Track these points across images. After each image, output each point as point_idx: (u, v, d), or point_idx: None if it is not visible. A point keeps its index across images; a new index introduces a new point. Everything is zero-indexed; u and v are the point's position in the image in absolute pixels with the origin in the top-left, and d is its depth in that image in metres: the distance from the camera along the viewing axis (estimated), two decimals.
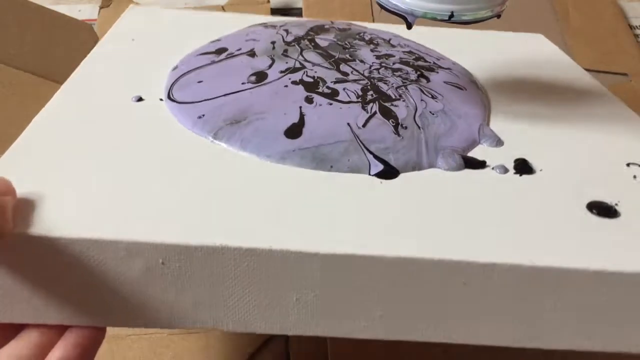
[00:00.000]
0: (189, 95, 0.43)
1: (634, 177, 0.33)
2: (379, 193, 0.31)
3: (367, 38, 0.58)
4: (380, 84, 0.46)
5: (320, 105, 0.42)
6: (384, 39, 0.58)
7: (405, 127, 0.37)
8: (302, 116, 0.41)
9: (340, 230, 0.28)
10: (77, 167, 0.33)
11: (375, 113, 0.40)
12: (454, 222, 0.29)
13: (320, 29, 0.58)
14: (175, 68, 0.47)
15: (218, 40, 0.53)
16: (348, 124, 0.39)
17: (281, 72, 0.48)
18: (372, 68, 0.50)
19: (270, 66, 0.48)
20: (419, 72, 0.49)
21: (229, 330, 0.28)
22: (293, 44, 0.54)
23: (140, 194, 0.31)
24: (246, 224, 0.29)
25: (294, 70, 0.48)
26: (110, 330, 0.39)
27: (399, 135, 0.36)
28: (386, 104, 0.41)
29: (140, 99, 0.42)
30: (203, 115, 0.40)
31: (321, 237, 0.27)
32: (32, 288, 0.27)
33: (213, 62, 0.48)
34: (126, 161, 0.34)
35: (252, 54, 0.50)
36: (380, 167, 0.33)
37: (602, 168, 0.34)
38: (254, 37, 0.54)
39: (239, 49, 0.51)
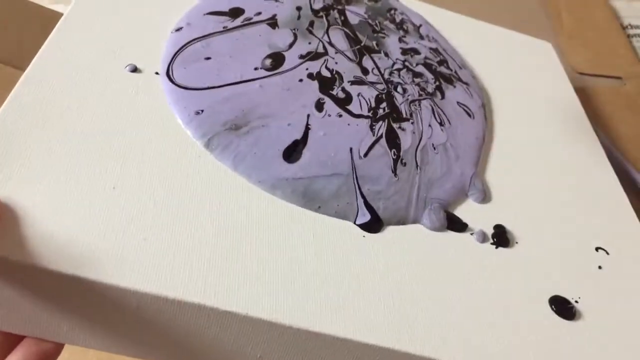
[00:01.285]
0: (192, 76, 0.37)
1: (599, 267, 0.34)
2: (358, 251, 0.30)
3: (397, 20, 0.52)
4: (396, 94, 0.43)
5: (329, 116, 0.39)
6: (414, 25, 0.52)
7: (405, 164, 0.36)
8: (306, 131, 0.37)
9: (305, 301, 0.27)
10: (50, 165, 0.28)
11: (380, 137, 0.38)
12: (416, 306, 0.28)
13: None
14: (178, 29, 0.39)
15: None
16: (351, 149, 0.36)
17: (301, 57, 0.42)
18: (394, 68, 0.46)
19: (290, 45, 0.43)
20: (437, 83, 0.46)
21: None
22: (321, 14, 0.47)
23: (105, 211, 0.27)
24: (203, 278, 0.26)
25: (314, 56, 0.43)
26: None
27: (395, 174, 0.35)
28: (394, 125, 0.39)
29: (135, 69, 0.36)
30: (202, 111, 0.35)
31: (281, 303, 0.26)
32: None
33: (226, 30, 0.41)
34: (108, 165, 0.30)
35: (273, 23, 0.44)
36: (367, 217, 0.32)
37: (574, 250, 0.35)
38: None
39: (259, 13, 0.44)
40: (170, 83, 0.36)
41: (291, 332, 0.26)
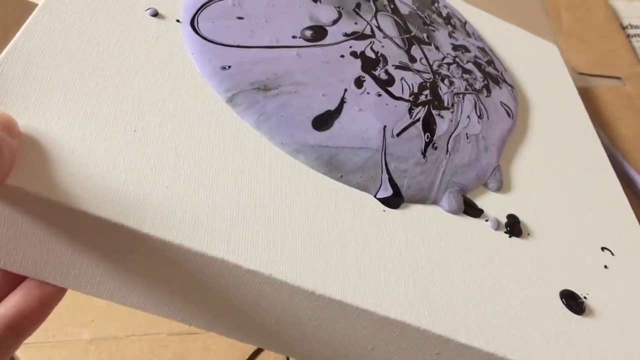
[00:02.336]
0: (221, 31, 0.33)
1: (605, 267, 0.34)
2: (378, 225, 0.29)
3: (444, 14, 0.49)
4: (442, 85, 0.40)
5: (368, 94, 0.35)
6: (460, 21, 0.50)
7: (435, 148, 0.35)
8: (341, 103, 0.34)
9: (326, 268, 0.25)
10: (68, 105, 0.26)
11: (417, 121, 0.36)
12: (434, 286, 0.28)
13: None
14: None
15: None
16: (384, 127, 0.34)
17: (345, 35, 0.38)
18: (445, 61, 0.43)
19: (334, 22, 0.39)
20: (485, 82, 0.44)
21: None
22: None
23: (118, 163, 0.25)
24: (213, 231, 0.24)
25: (360, 36, 0.39)
26: (110, 331, 0.40)
27: (424, 156, 0.34)
28: (434, 111, 0.37)
29: (156, 14, 0.32)
30: (229, 66, 0.32)
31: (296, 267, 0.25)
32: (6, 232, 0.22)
33: None
34: (128, 107, 0.27)
35: None
36: (389, 192, 0.31)
37: (581, 249, 0.35)
38: None
39: None
40: (195, 34, 0.32)
41: (312, 298, 0.24)
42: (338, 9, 0.40)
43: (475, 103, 0.41)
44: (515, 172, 0.38)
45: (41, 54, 0.26)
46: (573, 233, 0.36)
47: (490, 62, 0.46)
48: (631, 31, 0.73)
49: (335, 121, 0.32)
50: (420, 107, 0.37)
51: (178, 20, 0.32)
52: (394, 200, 0.31)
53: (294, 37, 0.36)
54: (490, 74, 0.45)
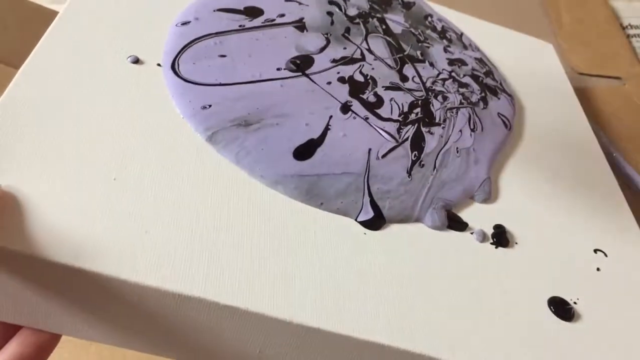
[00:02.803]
0: (202, 72, 0.34)
1: (598, 269, 0.33)
2: (358, 248, 0.29)
3: (438, 28, 0.48)
4: (435, 101, 0.40)
5: (354, 118, 0.35)
6: (456, 34, 0.49)
7: (422, 165, 0.35)
8: (325, 131, 0.34)
9: (304, 297, 0.26)
10: (54, 156, 0.27)
11: (405, 141, 0.35)
12: (415, 306, 0.27)
13: (383, 1, 0.48)
14: (185, 23, 0.37)
15: None
16: (369, 150, 0.34)
17: (333, 60, 0.39)
18: (440, 77, 0.42)
19: (322, 49, 0.39)
20: (482, 94, 0.43)
21: None
22: (357, 21, 0.43)
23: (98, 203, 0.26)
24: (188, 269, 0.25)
25: (349, 61, 0.39)
26: None
27: (410, 175, 0.34)
28: (424, 129, 0.37)
29: (137, 61, 0.33)
30: (209, 105, 0.32)
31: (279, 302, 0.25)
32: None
33: (243, 29, 0.38)
34: (108, 157, 0.28)
35: (300, 26, 0.40)
36: (370, 214, 0.31)
37: (573, 252, 0.34)
38: (299, 0, 0.43)
39: (282, 15, 0.40)
40: (175, 76, 0.33)
41: (291, 327, 0.25)
42: (326, 35, 0.40)
43: (470, 116, 0.40)
44: (507, 180, 0.38)
45: (24, 113, 0.28)
46: (564, 237, 0.35)
47: (488, 73, 0.45)
48: (631, 31, 0.73)
49: (318, 149, 0.32)
50: (410, 125, 0.37)
51: (159, 64, 0.34)
52: (375, 222, 0.30)
53: (278, 69, 0.36)
54: (488, 85, 0.44)
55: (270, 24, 0.39)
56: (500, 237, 0.33)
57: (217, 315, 0.24)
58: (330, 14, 0.42)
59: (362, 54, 0.40)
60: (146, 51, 0.34)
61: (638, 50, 0.70)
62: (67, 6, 0.34)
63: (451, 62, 0.44)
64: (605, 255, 0.35)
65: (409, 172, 0.34)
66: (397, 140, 0.35)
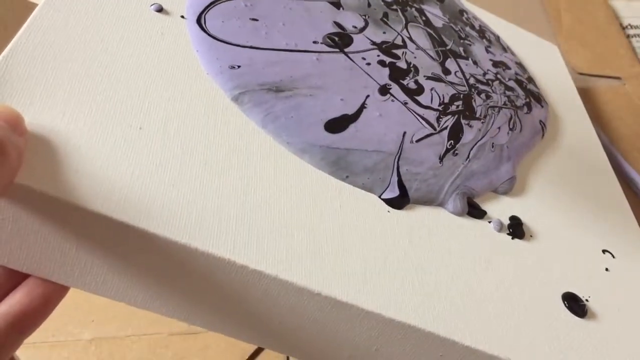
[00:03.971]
0: (231, 31, 0.30)
1: (606, 269, 0.33)
2: (383, 226, 0.28)
3: (476, 27, 0.46)
4: (477, 98, 0.37)
5: (393, 101, 0.32)
6: (493, 35, 0.47)
7: (456, 154, 0.33)
8: (361, 109, 0.31)
9: (332, 270, 0.24)
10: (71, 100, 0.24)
11: (443, 129, 0.33)
12: (438, 288, 0.27)
13: None
14: None
15: None
16: (404, 133, 0.31)
17: (373, 43, 0.35)
18: (487, 77, 0.39)
19: (361, 30, 0.36)
20: (527, 100, 0.41)
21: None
22: (395, 7, 0.40)
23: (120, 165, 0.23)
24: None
25: (391, 46, 0.36)
26: (110, 331, 0.40)
27: (441, 161, 0.32)
28: (463, 121, 0.35)
29: (160, 9, 0.30)
30: (238, 66, 0.29)
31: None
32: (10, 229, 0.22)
33: None
34: (134, 104, 0.26)
35: (336, 2, 0.36)
36: (395, 193, 0.29)
37: (583, 251, 0.34)
38: None
39: None
40: (201, 31, 0.30)
41: (318, 299, 0.23)
42: (364, 17, 0.37)
43: (511, 117, 0.38)
44: (528, 179, 0.37)
45: (45, 50, 0.25)
46: (574, 236, 0.35)
47: (530, 80, 0.43)
48: (631, 31, 0.72)
49: (350, 125, 0.30)
50: (450, 116, 0.34)
51: (182, 17, 0.30)
52: (399, 201, 0.29)
53: (315, 42, 0.33)
54: (532, 92, 0.41)
55: None
56: (517, 228, 0.32)
57: (242, 279, 0.23)
58: None
59: (403, 41, 0.37)
60: (171, 1, 0.30)
61: (638, 50, 0.69)
62: None
63: (495, 63, 0.41)
64: (613, 257, 0.34)
65: (441, 159, 0.32)
66: (434, 128, 0.33)
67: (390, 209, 0.28)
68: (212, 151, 0.25)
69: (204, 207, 0.23)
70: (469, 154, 0.33)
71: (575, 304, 0.30)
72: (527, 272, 0.30)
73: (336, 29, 0.34)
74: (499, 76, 0.40)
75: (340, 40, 0.34)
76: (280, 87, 0.29)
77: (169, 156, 0.24)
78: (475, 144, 0.34)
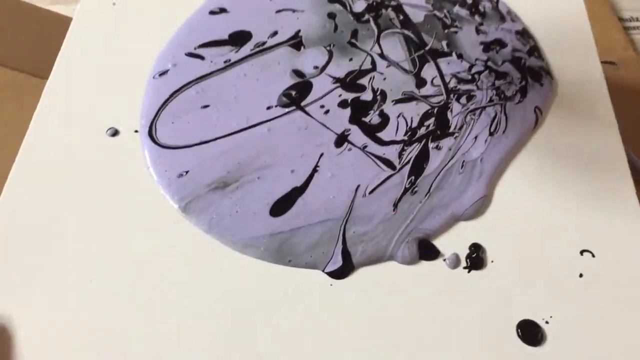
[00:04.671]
0: (181, 132, 0.33)
1: (580, 275, 0.31)
2: (325, 303, 0.29)
3: (469, 0, 0.40)
4: (456, 104, 0.34)
5: (350, 150, 0.32)
6: (490, 2, 0.40)
7: (415, 192, 0.31)
8: (311, 175, 0.31)
9: None
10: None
11: (405, 165, 0.32)
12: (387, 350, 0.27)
13: None
14: (162, 73, 0.35)
15: (225, 11, 0.38)
16: (357, 187, 0.31)
17: (336, 81, 0.35)
18: (473, 71, 0.36)
19: (323, 68, 0.35)
20: (523, 83, 0.36)
21: None
22: (366, 18, 0.37)
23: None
24: None
25: (357, 76, 0.35)
26: None
27: (395, 208, 0.31)
28: (431, 145, 0.33)
29: (115, 133, 0.33)
30: (186, 172, 0.31)
31: None
32: None
33: (228, 65, 0.35)
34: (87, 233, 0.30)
35: (297, 43, 0.36)
36: (338, 264, 0.29)
37: (556, 257, 0.31)
38: (293, 7, 0.38)
39: (274, 33, 0.36)
40: (152, 143, 0.32)
41: None
42: (328, 48, 0.35)
43: (495, 116, 0.34)
44: (507, 182, 0.34)
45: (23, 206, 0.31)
46: (548, 242, 0.31)
47: (533, 50, 0.37)
48: (631, 24, 0.73)
49: (298, 199, 0.31)
50: (416, 143, 0.33)
51: (136, 131, 0.33)
52: (343, 272, 0.29)
53: (269, 107, 0.33)
54: (532, 68, 0.36)
55: (261, 49, 0.35)
56: (475, 260, 0.31)
57: None
58: (332, 16, 0.37)
59: (372, 61, 0.35)
60: (125, 117, 0.34)
61: (638, 43, 0.70)
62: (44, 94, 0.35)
63: (486, 47, 0.36)
64: (593, 256, 0.31)
65: (396, 205, 0.31)
66: (393, 168, 0.32)
67: (333, 281, 0.29)
68: (162, 278, 0.29)
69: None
70: (430, 187, 0.31)
71: (529, 332, 0.29)
72: (481, 307, 0.29)
73: (294, 80, 0.34)
74: (489, 63, 0.36)
75: (297, 94, 0.34)
76: (227, 180, 0.31)
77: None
78: (441, 171, 0.32)
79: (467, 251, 0.31)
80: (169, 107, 0.33)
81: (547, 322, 0.29)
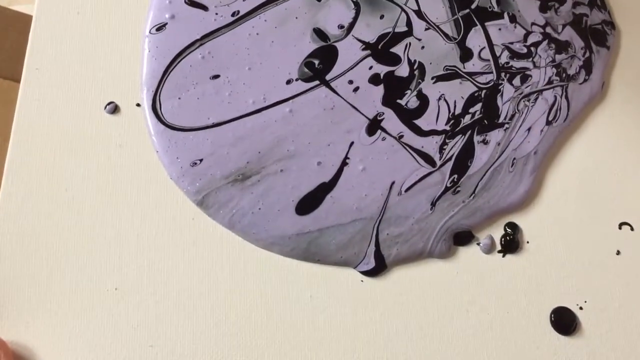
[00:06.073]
0: (190, 108, 0.29)
1: (617, 252, 0.29)
2: (355, 303, 0.28)
3: None
4: (507, 86, 0.30)
5: (383, 139, 0.29)
6: None
7: (457, 192, 0.29)
8: (340, 169, 0.28)
9: None
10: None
11: (447, 161, 0.29)
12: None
13: None
14: (160, 27, 0.29)
15: None
16: (392, 184, 0.28)
17: (365, 47, 0.30)
18: (529, 42, 0.31)
19: (349, 28, 0.30)
20: (587, 54, 0.31)
21: None
22: None
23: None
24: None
25: (390, 41, 0.30)
26: None
27: (433, 207, 0.29)
28: (477, 138, 0.30)
29: (115, 109, 0.29)
30: (200, 160, 0.28)
31: None
32: None
33: (237, 19, 0.29)
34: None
35: None
36: (371, 265, 0.28)
37: (594, 235, 0.30)
38: None
39: None
40: (158, 122, 0.28)
41: None
42: (354, 1, 0.30)
43: (555, 101, 0.30)
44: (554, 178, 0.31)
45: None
46: (586, 216, 0.30)
47: (593, 3, 0.32)
48: None
49: (327, 196, 0.28)
50: (459, 136, 0.29)
51: (138, 105, 0.29)
52: (375, 272, 0.28)
53: (288, 81, 0.29)
54: (595, 29, 0.31)
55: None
56: (509, 243, 0.29)
57: None
58: None
59: (408, 20, 0.30)
60: (123, 89, 0.29)
61: None
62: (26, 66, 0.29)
63: (544, 6, 0.31)
64: (632, 229, 0.30)
65: (434, 203, 0.28)
66: (434, 165, 0.29)
67: (364, 277, 0.28)
68: (182, 284, 0.27)
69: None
70: (475, 188, 0.29)
71: (562, 322, 0.28)
72: (515, 295, 0.28)
73: (315, 43, 0.29)
74: (547, 29, 0.31)
75: (321, 64, 0.29)
76: (246, 172, 0.27)
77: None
78: (488, 170, 0.29)
79: (502, 232, 0.29)
80: (173, 76, 0.28)
81: (581, 308, 0.28)
